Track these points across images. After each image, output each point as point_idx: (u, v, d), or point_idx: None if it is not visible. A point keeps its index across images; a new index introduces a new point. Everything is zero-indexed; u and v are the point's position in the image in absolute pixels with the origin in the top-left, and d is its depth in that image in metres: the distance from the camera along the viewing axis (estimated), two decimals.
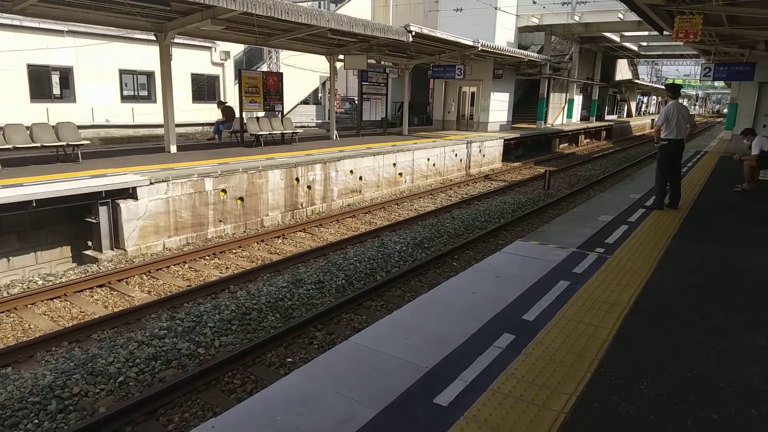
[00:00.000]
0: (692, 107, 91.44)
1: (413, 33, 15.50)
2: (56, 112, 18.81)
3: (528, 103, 31.33)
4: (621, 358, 3.64)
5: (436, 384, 3.25)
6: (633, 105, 51.47)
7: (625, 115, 48.51)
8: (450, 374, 3.36)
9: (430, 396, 3.12)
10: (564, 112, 32.33)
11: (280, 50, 24.41)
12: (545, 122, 28.22)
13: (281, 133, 16.20)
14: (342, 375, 3.35)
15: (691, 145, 20.39)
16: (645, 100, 58.90)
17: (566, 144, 30.04)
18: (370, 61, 19.24)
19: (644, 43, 35.23)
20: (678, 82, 56.99)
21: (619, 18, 23.89)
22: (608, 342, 3.87)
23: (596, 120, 37.20)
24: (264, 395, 3.16)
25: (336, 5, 30.06)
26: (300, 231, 11.06)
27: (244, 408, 3.02)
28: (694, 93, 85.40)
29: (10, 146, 9.87)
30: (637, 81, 46.32)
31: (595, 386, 3.27)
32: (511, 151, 23.26)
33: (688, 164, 14.41)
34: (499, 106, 24.70)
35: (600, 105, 38.43)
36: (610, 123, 37.49)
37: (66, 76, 20.10)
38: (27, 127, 10.42)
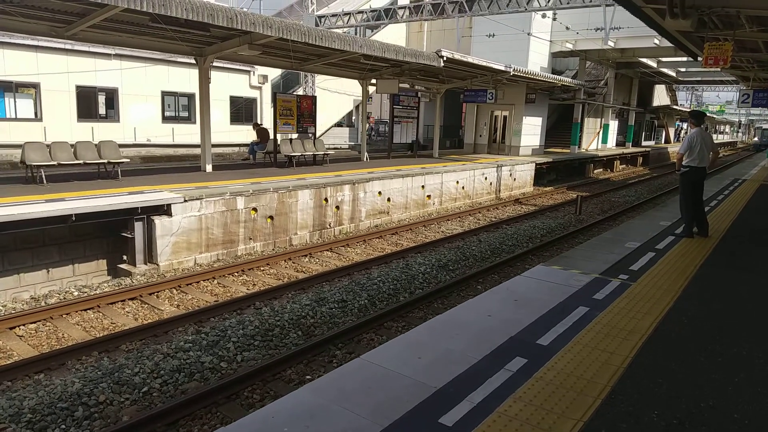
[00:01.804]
0: (734, 135, 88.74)
1: (444, 58, 15.71)
2: (101, 131, 19.72)
3: (562, 128, 31.09)
4: (634, 385, 3.60)
5: (443, 404, 3.28)
6: (671, 131, 50.44)
7: (663, 141, 47.58)
8: (458, 395, 3.39)
9: (435, 415, 3.15)
10: (599, 137, 31.96)
11: (315, 74, 25.02)
12: (579, 147, 27.94)
13: (313, 155, 16.53)
14: (350, 391, 3.42)
15: (730, 173, 19.89)
16: (684, 126, 57.64)
17: (601, 169, 29.62)
18: (402, 85, 19.54)
19: (682, 69, 34.67)
20: (722, 108, 55.71)
21: (656, 44, 23.64)
22: (622, 369, 3.83)
23: (632, 146, 36.61)
24: (273, 407, 3.25)
25: (372, 31, 30.69)
26: (327, 250, 11.22)
27: (253, 419, 3.11)
28: (737, 120, 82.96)
29: (55, 163, 10.40)
30: (675, 107, 45.48)
31: (604, 413, 3.24)
32: (543, 175, 23.10)
33: (725, 192, 14.05)
34: (531, 130, 24.63)
35: (636, 130, 37.84)
36: (647, 149, 36.82)
37: (111, 96, 21.07)
38: (71, 145, 10.97)
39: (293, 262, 10.32)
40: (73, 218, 8.10)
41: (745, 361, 4.08)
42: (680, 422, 3.18)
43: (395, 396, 3.36)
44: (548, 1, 19.46)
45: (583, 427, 3.07)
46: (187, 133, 22.62)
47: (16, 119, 18.55)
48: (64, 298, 8.00)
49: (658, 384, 3.64)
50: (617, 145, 35.13)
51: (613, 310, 5.02)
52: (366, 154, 18.83)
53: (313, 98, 17.30)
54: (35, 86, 18.82)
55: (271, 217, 11.13)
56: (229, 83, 24.41)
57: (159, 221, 9.19)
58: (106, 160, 11.29)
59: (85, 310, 7.52)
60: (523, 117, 23.76)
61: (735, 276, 6.38)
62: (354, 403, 3.28)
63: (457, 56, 16.51)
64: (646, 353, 4.11)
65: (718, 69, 12.31)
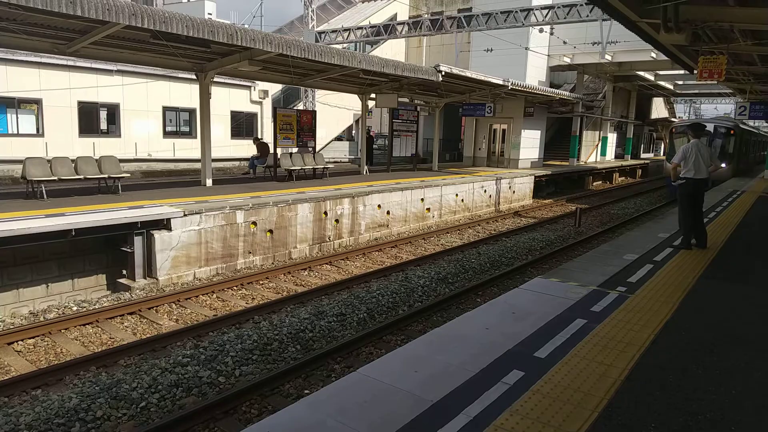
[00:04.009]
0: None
1: (443, 73, 15.85)
2: (102, 146, 19.83)
3: (560, 141, 31.24)
4: (631, 398, 3.59)
5: (439, 418, 3.27)
6: None
7: (661, 154, 47.71)
8: (454, 408, 3.39)
9: (431, 429, 3.14)
10: (598, 149, 32.09)
11: (315, 89, 25.19)
12: (578, 160, 28.05)
13: (313, 168, 16.59)
14: (347, 405, 3.42)
15: (728, 185, 19.91)
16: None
17: (600, 182, 29.69)
18: (402, 99, 19.69)
19: (680, 82, 34.90)
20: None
21: (652, 57, 23.81)
22: (619, 382, 3.83)
23: (631, 158, 36.74)
24: (269, 422, 3.25)
25: (371, 47, 30.97)
26: (326, 264, 11.23)
27: None
28: None
29: (55, 178, 10.46)
30: (673, 119, 45.69)
31: (600, 426, 3.24)
32: (542, 188, 23.16)
33: (723, 204, 14.08)
34: (529, 143, 24.75)
35: (635, 143, 38.01)
36: (646, 161, 36.94)
37: (113, 112, 21.20)
38: (72, 160, 11.03)
39: (292, 276, 10.32)
40: (73, 233, 8.12)
41: (742, 374, 4.07)
42: None
43: (392, 410, 3.36)
44: (545, 16, 19.67)
45: None
46: (188, 148, 22.74)
47: (18, 135, 18.65)
48: (63, 313, 8.00)
49: (656, 396, 3.63)
50: (616, 157, 35.27)
51: (611, 323, 5.02)
52: (365, 167, 18.90)
53: (313, 113, 17.41)
54: (37, 102, 18.95)
55: (271, 231, 11.15)
56: (229, 98, 24.59)
57: (158, 235, 9.21)
58: (106, 175, 11.36)
59: (84, 325, 7.52)
60: (522, 130, 23.89)
61: (733, 288, 6.38)
62: (350, 417, 3.27)
63: (456, 71, 16.64)
64: (643, 366, 4.10)
65: (714, 82, 12.40)
